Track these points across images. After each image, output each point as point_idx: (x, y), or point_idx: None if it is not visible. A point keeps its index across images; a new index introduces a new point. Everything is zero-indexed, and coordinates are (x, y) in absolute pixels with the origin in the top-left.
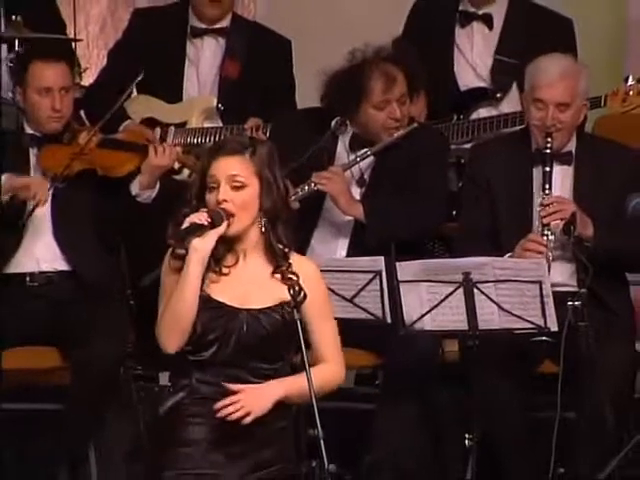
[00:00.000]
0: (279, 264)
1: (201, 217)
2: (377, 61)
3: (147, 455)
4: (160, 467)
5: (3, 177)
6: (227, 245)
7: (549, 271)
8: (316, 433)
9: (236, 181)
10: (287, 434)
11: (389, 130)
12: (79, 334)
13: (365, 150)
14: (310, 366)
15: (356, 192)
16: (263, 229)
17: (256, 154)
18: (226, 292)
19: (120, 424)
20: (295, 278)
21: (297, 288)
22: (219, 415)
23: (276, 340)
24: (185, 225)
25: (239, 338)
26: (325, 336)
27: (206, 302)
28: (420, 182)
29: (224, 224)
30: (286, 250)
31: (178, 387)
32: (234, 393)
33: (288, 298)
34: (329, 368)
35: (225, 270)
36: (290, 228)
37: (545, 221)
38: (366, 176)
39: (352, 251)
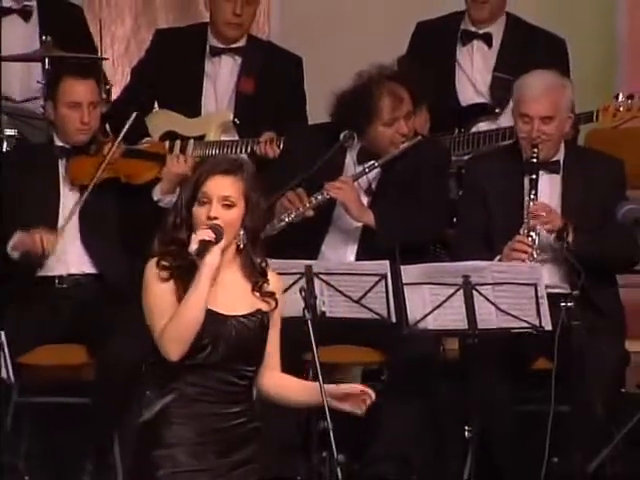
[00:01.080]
0: (257, 280)
1: (207, 234)
2: (384, 81)
3: (132, 458)
4: (152, 467)
5: (15, 236)
6: None
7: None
8: (326, 426)
9: (228, 201)
10: (260, 435)
11: (396, 144)
12: (104, 333)
13: (373, 162)
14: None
15: (364, 201)
16: (242, 246)
17: (245, 176)
18: (213, 301)
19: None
20: (272, 294)
21: (272, 302)
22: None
23: (258, 344)
24: (197, 243)
25: (228, 342)
26: (277, 345)
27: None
28: (424, 191)
29: (224, 239)
30: (263, 265)
31: (166, 390)
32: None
33: (263, 306)
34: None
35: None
36: (263, 245)
37: (531, 225)
38: (373, 186)
39: (360, 256)
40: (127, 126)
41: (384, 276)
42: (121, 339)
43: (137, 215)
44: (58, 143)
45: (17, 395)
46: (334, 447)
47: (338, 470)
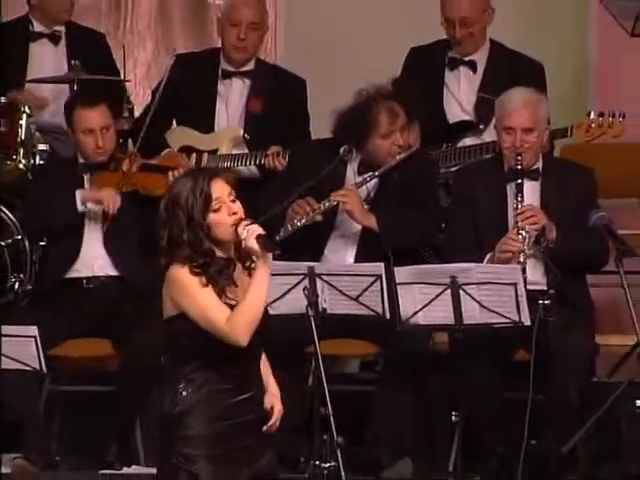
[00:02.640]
0: (247, 263)
1: (256, 228)
2: (381, 98)
3: (161, 450)
4: (184, 458)
5: (78, 192)
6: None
7: (525, 263)
8: (327, 411)
9: (232, 196)
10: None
11: (393, 155)
12: (126, 328)
13: (372, 173)
14: None
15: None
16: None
17: (227, 175)
18: (236, 295)
19: (161, 404)
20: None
21: None
22: None
23: (266, 327)
24: (255, 241)
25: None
26: None
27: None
28: (418, 198)
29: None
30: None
31: (192, 382)
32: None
33: None
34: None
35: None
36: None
37: (520, 225)
38: (372, 194)
39: (359, 258)
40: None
41: (379, 276)
42: (142, 333)
43: (154, 223)
44: (81, 160)
45: (49, 384)
46: (334, 431)
47: (338, 451)
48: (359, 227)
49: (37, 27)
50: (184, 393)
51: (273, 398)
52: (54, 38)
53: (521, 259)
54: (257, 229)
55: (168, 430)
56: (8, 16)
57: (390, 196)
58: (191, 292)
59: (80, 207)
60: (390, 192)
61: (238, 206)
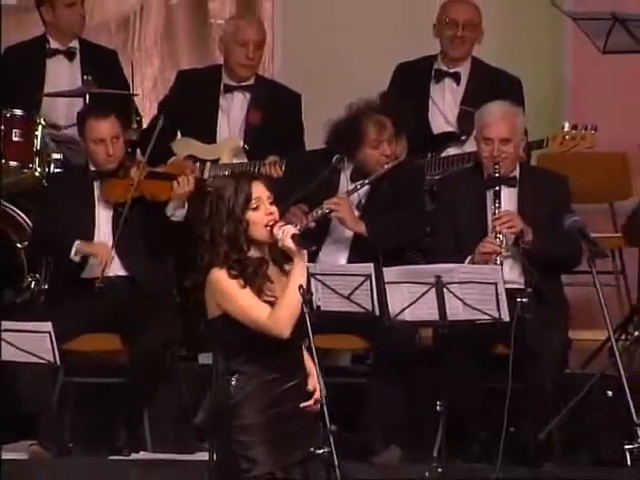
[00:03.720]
0: (282, 262)
1: (291, 228)
2: (370, 111)
3: (221, 439)
4: (243, 445)
5: (76, 243)
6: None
7: (502, 265)
8: (321, 401)
9: (271, 199)
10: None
11: (381, 164)
12: (135, 324)
13: (363, 180)
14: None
15: (356, 214)
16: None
17: (265, 180)
18: (274, 292)
19: (167, 394)
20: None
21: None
22: None
23: (302, 321)
24: (290, 238)
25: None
26: None
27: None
28: (406, 204)
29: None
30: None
31: (243, 375)
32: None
33: None
34: None
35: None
36: None
37: (498, 229)
38: (363, 201)
39: (351, 262)
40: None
41: (369, 276)
42: (149, 330)
43: (160, 227)
44: (92, 168)
45: (63, 376)
46: (327, 418)
47: (331, 438)
48: (351, 233)
49: (53, 44)
50: (236, 385)
51: (314, 380)
52: (69, 54)
53: (498, 261)
54: (292, 229)
55: (224, 420)
56: (26, 35)
57: (380, 203)
58: (232, 295)
59: (74, 257)
60: (380, 199)
61: (275, 209)
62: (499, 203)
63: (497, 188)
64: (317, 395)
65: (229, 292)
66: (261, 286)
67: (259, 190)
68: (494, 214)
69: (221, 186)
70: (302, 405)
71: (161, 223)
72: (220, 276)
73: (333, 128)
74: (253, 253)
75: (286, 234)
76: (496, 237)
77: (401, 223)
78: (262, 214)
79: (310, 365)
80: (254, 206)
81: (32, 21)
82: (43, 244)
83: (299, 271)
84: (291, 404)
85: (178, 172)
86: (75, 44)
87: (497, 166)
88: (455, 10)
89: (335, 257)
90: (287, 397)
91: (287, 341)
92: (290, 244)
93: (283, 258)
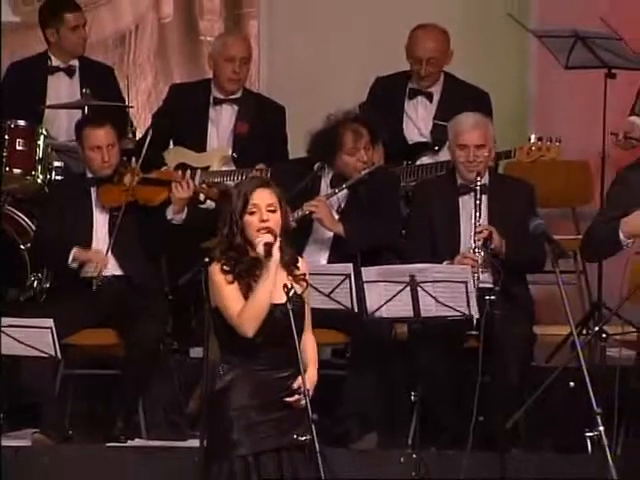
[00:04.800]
0: (292, 269)
1: (268, 238)
2: (347, 121)
3: (208, 419)
4: (226, 426)
5: (73, 250)
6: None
7: (479, 278)
8: (303, 391)
9: (272, 207)
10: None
11: (359, 170)
12: (131, 320)
13: (342, 185)
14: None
15: (336, 217)
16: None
17: (275, 187)
18: (275, 294)
19: (161, 385)
20: (303, 276)
21: (304, 283)
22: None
23: (297, 322)
24: (262, 246)
25: (276, 324)
26: (308, 315)
27: None
28: (382, 208)
29: (278, 239)
30: (296, 256)
31: (229, 363)
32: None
33: (297, 288)
34: (312, 337)
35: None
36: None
37: (478, 243)
38: (342, 205)
39: (331, 260)
40: (144, 152)
41: (348, 275)
42: (143, 325)
43: (153, 229)
44: (89, 175)
45: (63, 368)
46: (309, 407)
47: (312, 426)
48: (331, 234)
49: (55, 62)
50: (223, 372)
51: (301, 379)
52: (69, 72)
53: (475, 277)
54: (267, 238)
55: (211, 404)
56: (28, 52)
57: (358, 206)
58: (218, 289)
59: (72, 264)
60: (358, 203)
61: (274, 217)
62: (479, 217)
63: (478, 202)
64: (299, 395)
65: (217, 286)
66: (250, 285)
67: (260, 197)
68: (475, 226)
69: (235, 189)
70: (286, 400)
71: (154, 226)
72: (214, 270)
73: (313, 138)
74: (253, 254)
75: (259, 241)
76: (475, 251)
77: (376, 225)
78: (256, 219)
79: (309, 365)
80: (251, 211)
81: (35, 38)
82: (43, 252)
83: (266, 276)
84: (276, 394)
85: (169, 178)
86: (75, 62)
87: (479, 177)
88: (418, 48)
89: (316, 256)
90: (273, 387)
91: (271, 336)
92: (260, 251)
93: (292, 263)
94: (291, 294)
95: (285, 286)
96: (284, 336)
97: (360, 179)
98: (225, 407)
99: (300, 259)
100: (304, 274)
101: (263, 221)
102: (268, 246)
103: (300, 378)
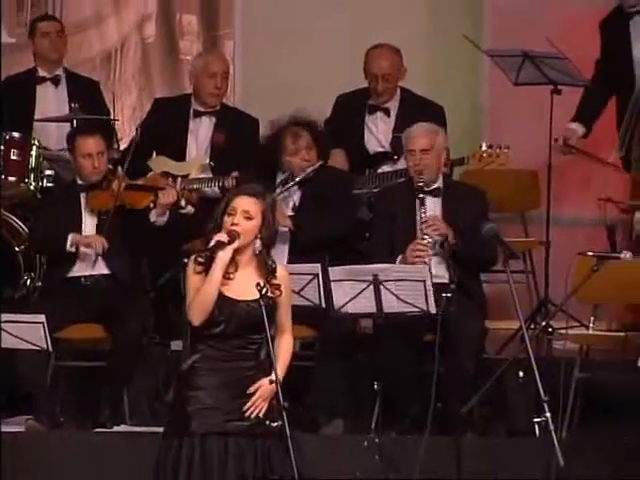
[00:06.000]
0: (268, 276)
1: (223, 236)
2: (288, 125)
3: (173, 397)
4: (184, 404)
5: (70, 235)
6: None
7: (430, 262)
8: (275, 380)
9: (248, 214)
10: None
11: (303, 168)
12: (117, 316)
13: (289, 184)
14: (275, 336)
15: (290, 213)
16: (257, 252)
17: (264, 200)
18: (229, 290)
19: (144, 376)
20: (278, 286)
21: (277, 292)
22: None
23: (261, 320)
24: (213, 242)
25: (239, 319)
26: (285, 317)
27: (219, 297)
28: (331, 202)
29: (237, 242)
30: (274, 266)
31: (195, 350)
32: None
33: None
34: (288, 338)
35: (231, 275)
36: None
37: (425, 231)
38: (296, 203)
39: (290, 255)
40: (128, 158)
41: (317, 275)
42: (129, 320)
43: (138, 231)
44: (79, 182)
45: (54, 360)
46: (281, 396)
47: (284, 413)
48: (286, 228)
49: (41, 72)
50: (188, 357)
51: (259, 385)
52: (55, 81)
53: (426, 260)
54: (220, 237)
55: (175, 386)
56: (22, 67)
57: (310, 204)
58: (187, 276)
59: (69, 248)
60: (309, 201)
61: (247, 224)
62: (425, 209)
63: (421, 196)
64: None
65: (187, 275)
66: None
67: (240, 203)
68: (421, 218)
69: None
70: (250, 390)
71: (138, 228)
72: (190, 262)
73: (261, 144)
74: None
75: (215, 237)
76: (423, 238)
77: (325, 218)
78: (230, 221)
79: (276, 371)
80: (228, 212)
81: (29, 58)
82: (41, 242)
83: (212, 272)
84: (235, 384)
85: (155, 185)
86: (60, 72)
87: (422, 176)
88: (373, 66)
89: (277, 249)
90: (232, 376)
91: (238, 329)
92: (209, 245)
93: (270, 272)
94: (264, 292)
95: (258, 284)
96: (252, 331)
97: (306, 176)
98: (184, 388)
99: (280, 268)
100: (279, 285)
101: (233, 224)
102: (217, 243)
103: (258, 384)
